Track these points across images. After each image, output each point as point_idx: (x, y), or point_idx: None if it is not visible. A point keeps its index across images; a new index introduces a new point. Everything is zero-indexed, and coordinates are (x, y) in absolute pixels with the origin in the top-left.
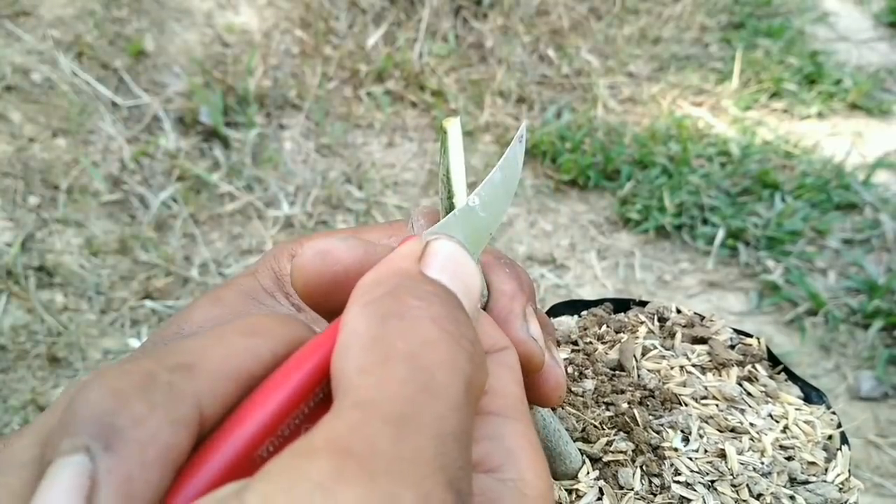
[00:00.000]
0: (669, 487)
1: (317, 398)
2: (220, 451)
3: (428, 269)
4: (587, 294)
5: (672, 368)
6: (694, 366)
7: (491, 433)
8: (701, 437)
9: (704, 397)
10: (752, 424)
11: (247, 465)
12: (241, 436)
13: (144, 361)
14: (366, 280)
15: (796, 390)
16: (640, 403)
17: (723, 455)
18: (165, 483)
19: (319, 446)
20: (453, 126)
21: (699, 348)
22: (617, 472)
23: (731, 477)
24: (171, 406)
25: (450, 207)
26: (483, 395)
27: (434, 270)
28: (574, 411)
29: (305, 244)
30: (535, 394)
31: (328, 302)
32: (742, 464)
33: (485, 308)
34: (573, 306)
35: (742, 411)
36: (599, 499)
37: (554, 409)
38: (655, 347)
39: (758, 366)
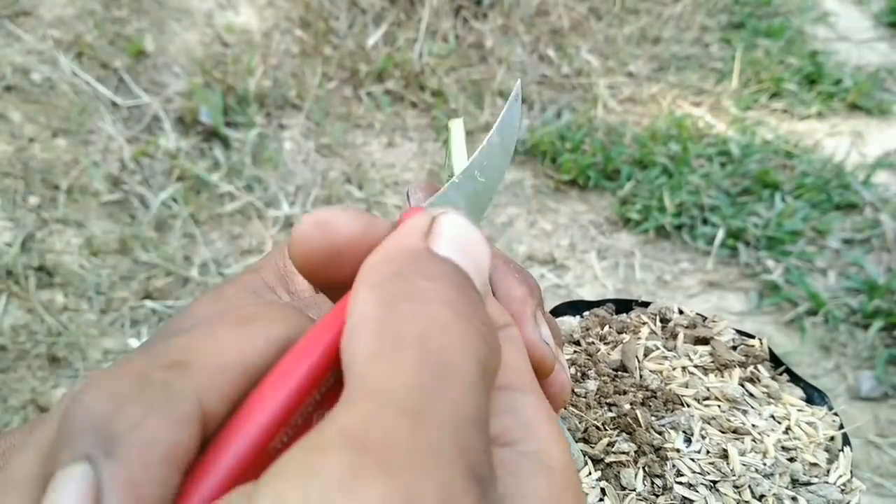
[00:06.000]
0: (671, 488)
1: (328, 384)
2: (230, 447)
3: (437, 246)
4: (587, 294)
5: (674, 369)
6: (696, 367)
7: (507, 407)
8: (703, 438)
9: (707, 398)
10: (754, 425)
11: (261, 459)
12: (251, 430)
13: (137, 362)
14: (372, 260)
15: (798, 391)
16: (643, 404)
17: (725, 456)
18: (174, 483)
19: (332, 440)
20: (457, 126)
21: (701, 349)
22: (619, 472)
23: (733, 478)
24: (168, 405)
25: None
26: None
27: (443, 248)
28: (576, 412)
29: (305, 215)
30: None
31: (326, 274)
32: (744, 465)
33: None
34: (575, 307)
35: (744, 412)
36: (601, 499)
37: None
38: (658, 348)
39: (760, 367)
